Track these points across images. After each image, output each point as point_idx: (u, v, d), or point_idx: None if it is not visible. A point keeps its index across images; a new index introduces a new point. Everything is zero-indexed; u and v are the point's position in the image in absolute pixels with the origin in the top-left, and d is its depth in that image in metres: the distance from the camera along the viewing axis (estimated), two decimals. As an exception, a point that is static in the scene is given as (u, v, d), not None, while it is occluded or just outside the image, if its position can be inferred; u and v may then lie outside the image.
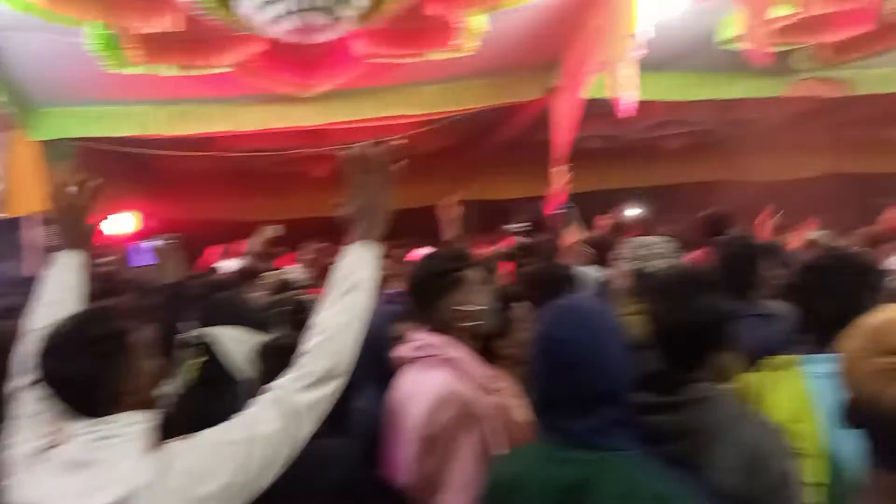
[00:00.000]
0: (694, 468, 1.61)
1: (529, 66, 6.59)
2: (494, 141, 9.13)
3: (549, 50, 6.21)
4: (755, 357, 2.00)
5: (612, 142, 9.91)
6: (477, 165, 10.15)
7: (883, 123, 9.85)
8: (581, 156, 9.73)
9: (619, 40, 4.79)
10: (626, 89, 4.86)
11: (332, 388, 1.47)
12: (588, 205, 6.36)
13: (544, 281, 3.34)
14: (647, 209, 13.96)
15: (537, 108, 7.24)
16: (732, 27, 5.07)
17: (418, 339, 2.01)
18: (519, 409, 2.00)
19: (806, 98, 7.49)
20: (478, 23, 4.81)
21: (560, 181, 6.83)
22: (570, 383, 1.46)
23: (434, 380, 1.91)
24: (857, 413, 1.08)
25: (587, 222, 6.04)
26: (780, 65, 6.46)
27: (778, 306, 2.51)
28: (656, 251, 2.71)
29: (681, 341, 1.75)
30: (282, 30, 4.10)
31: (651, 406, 1.70)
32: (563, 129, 6.59)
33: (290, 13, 3.72)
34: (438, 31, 5.01)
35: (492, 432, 1.88)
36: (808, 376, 1.85)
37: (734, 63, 5.84)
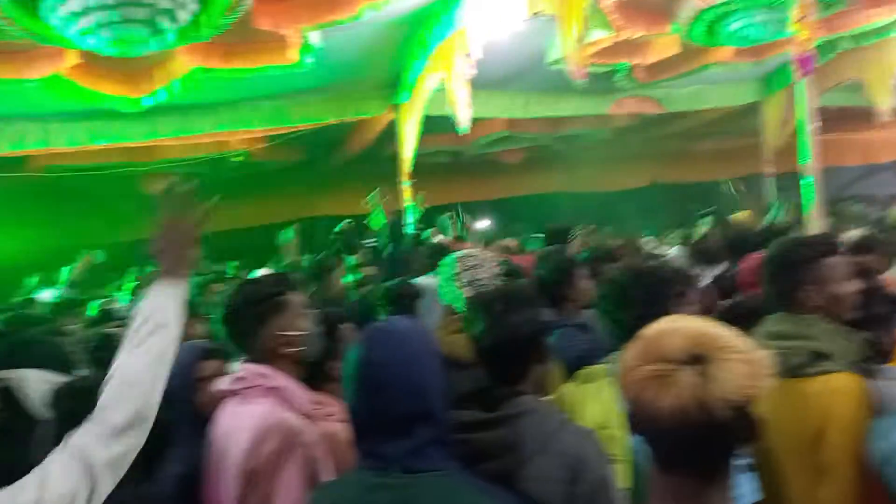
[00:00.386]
0: (516, 483, 1.65)
1: (372, 82, 6.63)
2: (342, 156, 9.08)
3: (391, 66, 6.28)
4: (572, 367, 2.09)
5: (455, 157, 10.20)
6: (325, 181, 10.07)
7: (694, 137, 10.88)
8: (428, 171, 9.95)
9: (456, 59, 4.93)
10: (462, 106, 5.01)
11: (135, 438, 1.36)
12: (430, 220, 6.50)
13: (395, 296, 3.36)
14: (492, 221, 14.46)
15: (383, 123, 7.30)
16: (558, 49, 5.38)
17: (238, 371, 1.92)
18: (348, 433, 1.96)
19: (628, 114, 8.13)
20: (312, 38, 4.76)
21: (408, 195, 6.92)
22: (384, 406, 1.44)
23: (256, 411, 1.83)
24: (634, 419, 1.14)
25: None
26: (605, 84, 6.97)
27: (592, 317, 2.66)
28: (481, 265, 2.75)
29: (501, 356, 1.78)
30: (96, 42, 3.81)
31: (473, 423, 1.73)
32: (409, 144, 6.68)
33: (100, 25, 3.46)
34: (271, 45, 4.90)
35: (319, 461, 1.83)
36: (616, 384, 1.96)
37: (563, 82, 6.22)
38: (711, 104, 8.01)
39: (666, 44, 5.73)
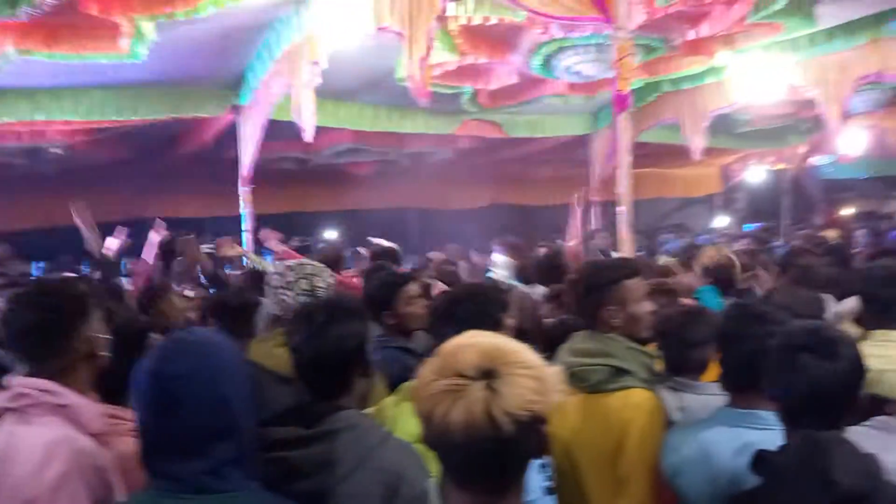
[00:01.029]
0: (330, 502, 1.60)
1: (213, 80, 6.33)
2: (177, 156, 8.58)
3: (234, 66, 6.04)
4: (396, 382, 2.09)
5: (303, 165, 10.01)
6: (157, 181, 9.47)
7: (532, 163, 11.46)
8: (273, 177, 9.66)
9: (302, 66, 4.84)
10: (306, 114, 4.92)
11: None
12: (281, 226, 6.29)
13: (223, 308, 3.19)
14: (339, 232, 14.31)
15: (223, 125, 6.99)
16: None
17: (16, 386, 1.72)
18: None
19: (472, 136, 8.41)
20: (146, 29, 4.47)
21: (247, 201, 6.67)
22: (179, 422, 1.35)
23: (38, 432, 1.65)
24: (427, 434, 1.14)
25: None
26: (451, 105, 7.16)
27: (420, 334, 2.68)
28: (317, 275, 2.69)
29: (321, 369, 1.74)
30: None
31: (288, 441, 1.67)
32: (250, 148, 6.45)
33: None
34: (100, 32, 4.54)
35: (111, 486, 1.68)
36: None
37: (411, 99, 6.30)
38: (548, 133, 8.47)
39: (507, 71, 5.99)
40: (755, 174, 13.52)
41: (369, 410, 2.12)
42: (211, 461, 1.36)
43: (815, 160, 12.71)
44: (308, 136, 4.97)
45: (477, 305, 2.11)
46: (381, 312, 2.71)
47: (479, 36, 5.22)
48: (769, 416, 1.86)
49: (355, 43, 4.68)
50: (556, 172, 12.19)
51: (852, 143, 10.02)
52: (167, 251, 5.01)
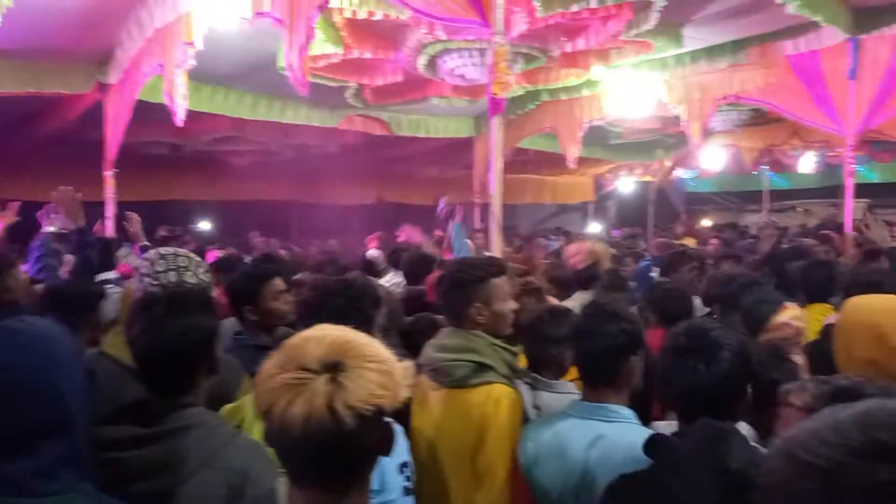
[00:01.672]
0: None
1: (78, 54, 5.88)
2: (36, 135, 7.92)
3: (102, 41, 5.64)
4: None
5: (176, 151, 9.54)
6: (15, 161, 8.70)
7: (419, 163, 11.53)
8: (143, 163, 9.11)
9: (175, 47, 4.59)
10: (178, 98, 4.68)
11: None
12: (149, 215, 5.92)
13: (63, 296, 2.95)
14: (215, 223, 13.75)
15: (88, 103, 6.51)
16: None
17: None
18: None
19: (358, 132, 8.33)
20: (-2, -6, 4.08)
21: (110, 186, 6.24)
22: (3, 417, 1.24)
23: None
24: (268, 430, 1.10)
25: (149, 234, 5.61)
26: (336, 98, 7.07)
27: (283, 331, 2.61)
28: (179, 269, 2.56)
29: (161, 364, 1.64)
30: None
31: (126, 440, 1.57)
32: (117, 130, 6.05)
33: None
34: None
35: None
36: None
37: (294, 89, 6.16)
38: (432, 133, 8.53)
39: (393, 69, 5.98)
40: (625, 184, 14.31)
41: (227, 408, 2.05)
42: (40, 460, 1.25)
43: (679, 174, 13.61)
44: (179, 120, 4.74)
45: (347, 300, 2.08)
46: (242, 307, 2.61)
47: (365, 30, 5.17)
48: (620, 409, 1.97)
49: (233, 26, 4.52)
50: (442, 173, 12.33)
51: (712, 159, 10.83)
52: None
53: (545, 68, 6.31)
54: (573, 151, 7.75)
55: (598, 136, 9.50)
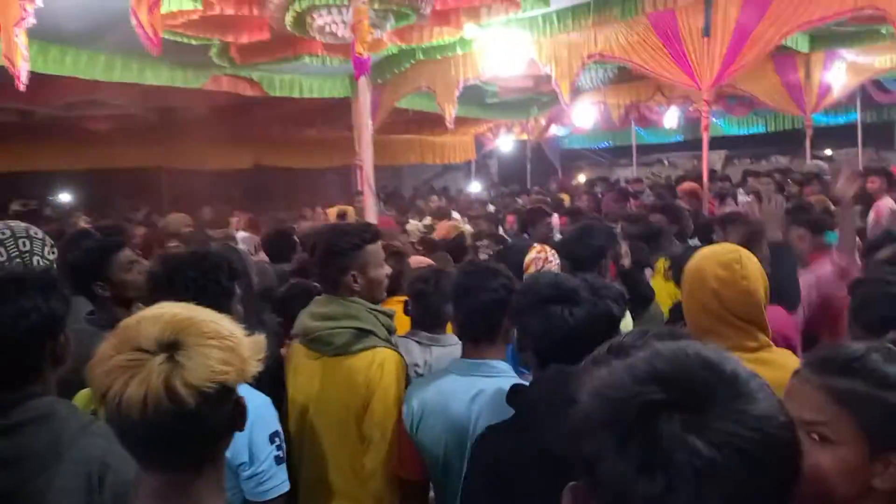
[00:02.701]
0: (22, 502, 1.45)
1: None
2: None
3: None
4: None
5: (26, 118, 8.76)
6: None
7: (297, 124, 11.20)
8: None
9: (11, 4, 4.16)
10: (19, 60, 4.27)
11: None
12: (6, 188, 5.40)
13: None
14: (76, 195, 12.84)
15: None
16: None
17: None
18: None
19: (229, 93, 7.96)
20: None
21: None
22: None
23: None
24: (107, 414, 1.05)
25: (2, 208, 5.13)
26: (200, 58, 6.70)
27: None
28: (23, 255, 2.37)
29: (4, 353, 1.53)
30: None
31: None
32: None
33: None
34: None
35: None
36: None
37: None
38: (307, 94, 8.29)
39: (259, 26, 5.73)
40: (504, 143, 14.60)
41: (82, 393, 1.94)
42: None
43: (554, 131, 14.03)
44: (22, 84, 4.33)
45: (201, 272, 2.00)
46: (90, 284, 2.45)
47: (226, -14, 4.91)
48: (499, 364, 2.05)
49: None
50: (322, 135, 12.05)
51: (583, 116, 11.23)
52: None
53: (418, 27, 6.25)
54: (450, 111, 7.79)
55: (474, 96, 9.58)
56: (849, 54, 8.63)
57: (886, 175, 7.32)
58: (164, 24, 4.96)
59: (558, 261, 3.13)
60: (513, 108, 11.65)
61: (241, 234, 6.42)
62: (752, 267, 1.90)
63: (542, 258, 3.08)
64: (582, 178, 15.90)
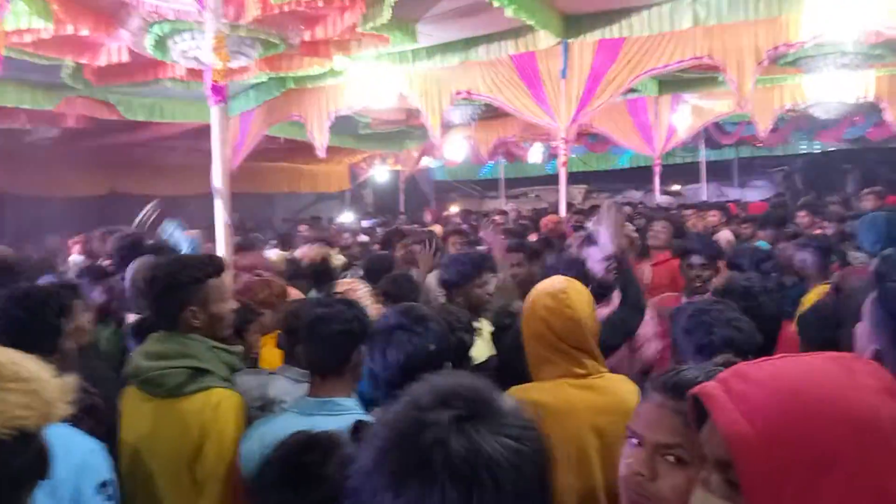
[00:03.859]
0: None
1: None
2: None
3: None
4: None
5: None
6: None
7: (158, 149, 10.71)
8: None
9: None
10: None
11: None
12: None
13: None
14: None
15: None
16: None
17: None
18: None
19: (83, 116, 7.51)
20: None
21: None
22: None
23: None
24: None
25: None
26: (52, 78, 6.29)
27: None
28: None
29: None
30: None
31: None
32: None
33: None
34: None
35: None
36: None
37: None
38: (168, 118, 7.98)
39: (117, 48, 5.48)
40: (380, 173, 14.70)
41: None
42: None
43: (427, 163, 14.32)
44: None
45: (24, 311, 1.86)
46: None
47: (79, 4, 4.66)
48: (346, 402, 1.97)
49: None
50: (186, 161, 11.56)
51: (453, 150, 11.55)
52: None
53: (287, 56, 6.22)
54: (321, 140, 7.77)
55: (347, 126, 9.61)
56: (692, 99, 9.47)
57: (724, 210, 8.07)
58: (8, 42, 4.66)
59: (367, 291, 3.15)
60: (386, 140, 11.78)
61: (74, 258, 6.03)
62: (578, 297, 2.02)
63: (353, 290, 3.06)
64: (454, 209, 16.27)
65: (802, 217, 6.69)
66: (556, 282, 2.09)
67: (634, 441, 1.18)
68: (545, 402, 1.85)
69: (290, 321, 2.24)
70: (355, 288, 3.11)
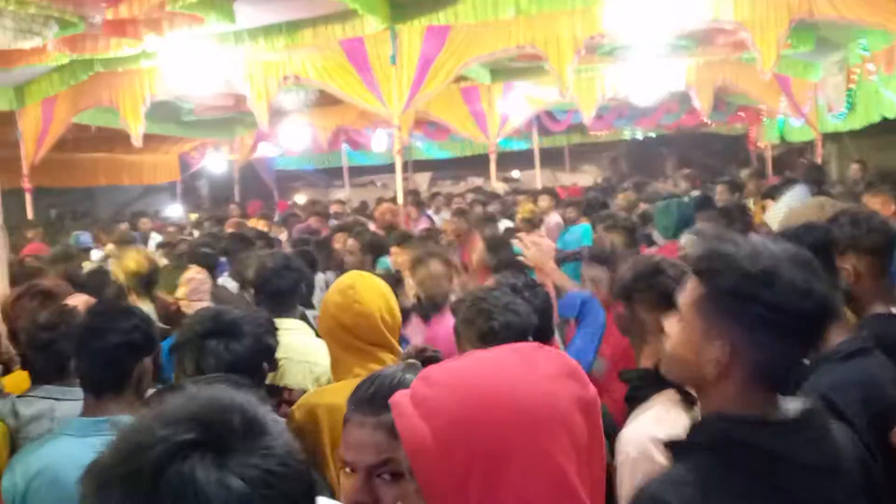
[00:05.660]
0: None
1: None
2: None
3: None
4: None
5: None
6: None
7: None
8: None
9: None
10: None
11: None
12: None
13: None
14: None
15: None
16: None
17: None
18: None
19: None
20: None
21: None
22: None
23: None
24: None
25: None
26: None
27: None
28: None
29: None
30: None
31: None
32: None
33: None
34: None
35: None
36: None
37: None
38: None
39: None
40: (214, 163, 13.90)
41: None
42: None
43: (266, 151, 13.73)
44: None
45: None
46: None
47: None
48: (126, 420, 1.81)
49: None
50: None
51: (291, 137, 11.15)
52: None
53: (91, 36, 5.64)
54: (137, 128, 7.16)
55: (169, 112, 8.97)
56: (523, 87, 9.76)
57: (553, 195, 8.43)
58: None
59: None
60: (215, 127, 11.11)
61: None
62: (367, 291, 1.94)
63: (200, 279, 2.92)
64: (300, 198, 15.80)
65: (621, 200, 7.12)
66: (346, 277, 2.02)
67: (348, 470, 1.10)
68: (338, 404, 1.76)
69: (42, 337, 2.03)
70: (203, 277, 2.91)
